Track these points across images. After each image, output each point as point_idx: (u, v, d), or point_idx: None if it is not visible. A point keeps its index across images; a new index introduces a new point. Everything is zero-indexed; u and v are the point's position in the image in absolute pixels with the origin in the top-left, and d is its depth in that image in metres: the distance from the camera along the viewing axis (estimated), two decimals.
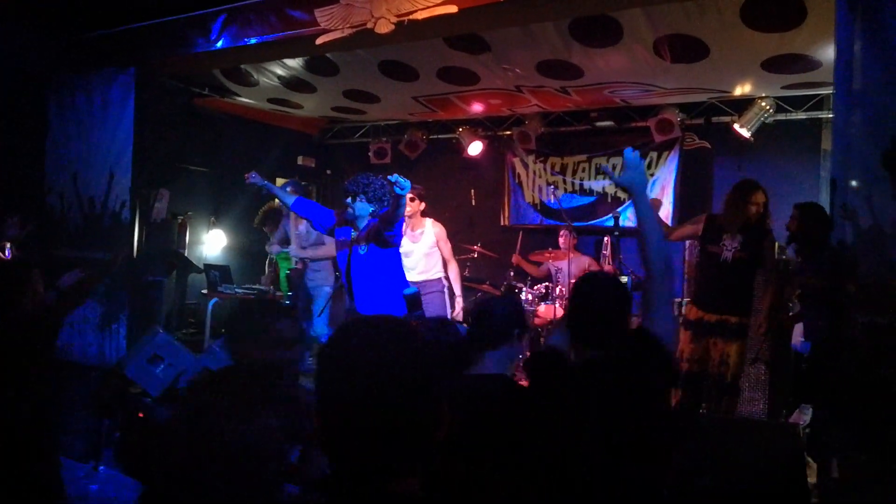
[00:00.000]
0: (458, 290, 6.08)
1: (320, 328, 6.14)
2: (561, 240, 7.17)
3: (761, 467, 3.34)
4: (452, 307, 6.16)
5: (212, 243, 8.02)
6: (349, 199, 4.27)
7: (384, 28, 4.80)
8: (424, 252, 6.00)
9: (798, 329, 6.03)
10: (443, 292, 6.06)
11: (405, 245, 5.94)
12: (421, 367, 1.14)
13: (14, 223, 4.87)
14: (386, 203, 4.24)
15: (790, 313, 4.73)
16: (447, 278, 6.08)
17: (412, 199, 5.71)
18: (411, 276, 6.01)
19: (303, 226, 6.08)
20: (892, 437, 3.16)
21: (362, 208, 4.26)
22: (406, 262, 6.09)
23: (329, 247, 5.77)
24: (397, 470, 1.11)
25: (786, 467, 3.25)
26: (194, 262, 7.51)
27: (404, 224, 5.49)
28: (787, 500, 3.21)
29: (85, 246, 6.52)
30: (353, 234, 4.39)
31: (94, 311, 6.46)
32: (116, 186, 6.47)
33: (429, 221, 6.00)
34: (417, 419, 1.11)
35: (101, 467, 4.22)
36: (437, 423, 1.17)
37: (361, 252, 4.30)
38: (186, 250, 7.56)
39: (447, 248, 6.06)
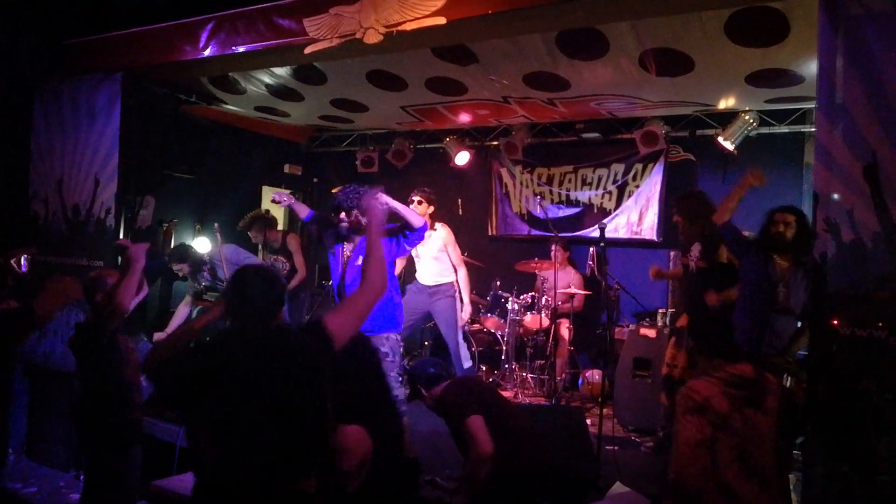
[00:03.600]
0: (466, 296, 6.06)
1: None
2: (554, 255, 7.22)
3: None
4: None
5: (197, 247, 7.96)
6: (343, 215, 4.24)
7: (373, 38, 4.81)
8: (433, 256, 5.98)
9: None
10: (454, 297, 6.03)
11: (415, 249, 5.94)
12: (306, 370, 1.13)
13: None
14: None
15: None
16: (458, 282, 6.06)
17: (420, 203, 5.71)
18: (424, 279, 6.02)
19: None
20: (875, 449, 3.19)
21: (357, 223, 4.26)
22: (416, 265, 6.10)
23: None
24: (296, 471, 1.09)
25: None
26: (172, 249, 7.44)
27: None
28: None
29: (69, 253, 6.47)
30: (345, 249, 4.36)
31: (76, 317, 6.40)
32: (102, 193, 6.41)
33: (438, 225, 5.99)
34: (309, 422, 1.11)
35: (83, 476, 4.18)
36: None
37: (359, 263, 4.21)
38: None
39: (455, 252, 6.05)
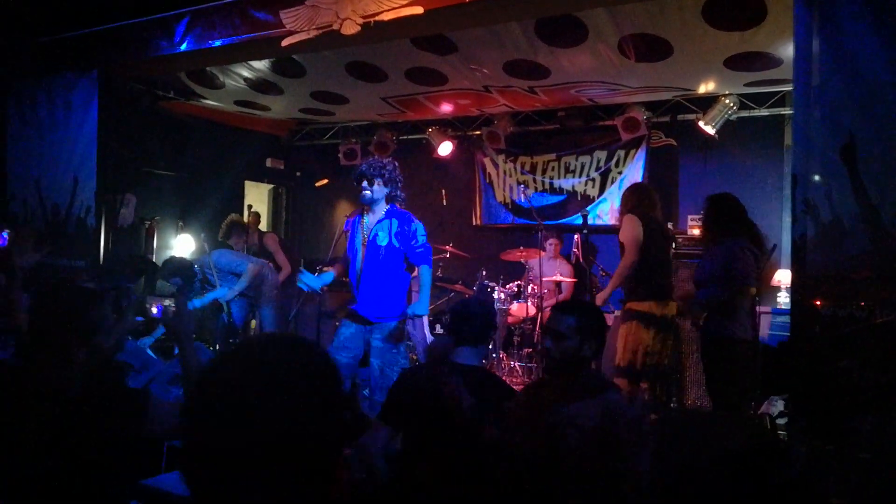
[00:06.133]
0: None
1: None
2: (549, 248, 7.23)
3: (733, 459, 3.40)
4: None
5: (180, 248, 7.92)
6: (366, 184, 4.22)
7: (350, 29, 4.78)
8: None
9: (766, 321, 6.15)
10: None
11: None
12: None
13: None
14: (399, 184, 4.31)
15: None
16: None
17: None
18: None
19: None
20: (857, 427, 3.23)
21: (379, 191, 4.24)
22: None
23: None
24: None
25: (751, 459, 3.31)
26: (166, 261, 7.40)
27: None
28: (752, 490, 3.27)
29: (49, 253, 6.40)
30: (365, 220, 4.31)
31: None
32: (81, 192, 6.36)
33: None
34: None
35: None
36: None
37: (381, 243, 4.21)
38: (154, 255, 7.46)
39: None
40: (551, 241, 7.24)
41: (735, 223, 4.35)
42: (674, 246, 5.91)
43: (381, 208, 4.29)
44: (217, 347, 6.12)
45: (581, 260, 6.77)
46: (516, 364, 7.07)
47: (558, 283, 7.18)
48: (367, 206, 4.29)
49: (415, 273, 4.46)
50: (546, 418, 2.12)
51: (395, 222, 4.24)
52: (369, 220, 4.31)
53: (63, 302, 2.24)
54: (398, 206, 4.33)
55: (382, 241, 4.21)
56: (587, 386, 2.48)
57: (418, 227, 4.29)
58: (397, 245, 4.23)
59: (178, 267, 6.07)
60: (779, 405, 5.06)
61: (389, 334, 4.22)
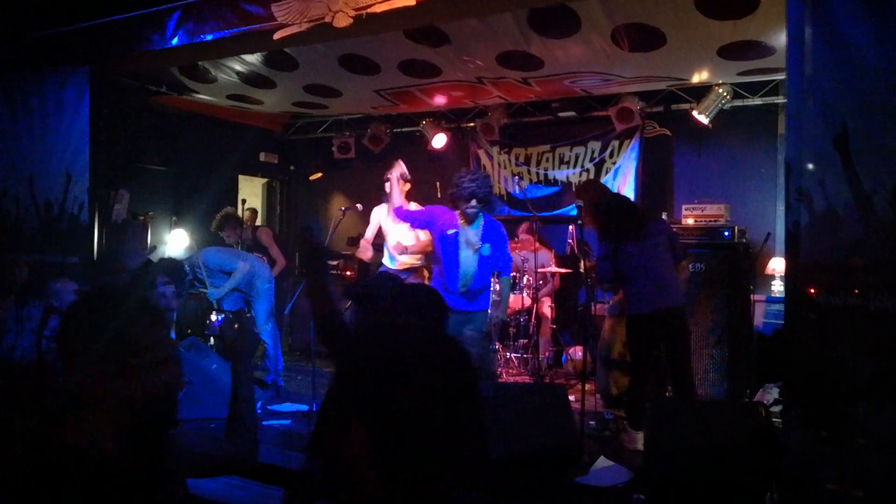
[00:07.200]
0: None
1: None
2: (522, 235, 7.21)
3: (729, 447, 3.43)
4: None
5: (174, 243, 7.90)
6: (474, 202, 4.73)
7: (342, 22, 4.76)
8: (406, 233, 5.85)
9: (760, 309, 6.18)
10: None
11: (389, 228, 5.90)
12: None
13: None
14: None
15: None
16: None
17: (398, 181, 5.67)
18: (402, 259, 5.96)
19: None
20: (851, 414, 3.25)
21: (483, 207, 4.83)
22: (389, 244, 6.02)
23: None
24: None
25: (752, 446, 3.35)
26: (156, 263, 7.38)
27: (388, 207, 5.71)
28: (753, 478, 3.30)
29: (42, 249, 6.38)
30: (467, 229, 4.83)
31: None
32: (74, 188, 6.33)
33: (413, 205, 5.90)
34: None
35: None
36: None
37: (484, 253, 4.85)
38: (149, 251, 7.43)
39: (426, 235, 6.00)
40: (524, 235, 7.20)
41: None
42: None
43: (480, 220, 4.88)
44: (212, 342, 6.12)
45: (576, 251, 6.77)
46: (512, 356, 7.08)
47: (553, 275, 7.19)
48: (467, 218, 4.82)
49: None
50: None
51: (494, 237, 4.90)
52: (472, 231, 4.86)
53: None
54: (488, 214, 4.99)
55: (487, 252, 4.87)
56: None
57: (506, 239, 5.04)
58: (495, 256, 4.92)
59: (168, 268, 6.06)
60: (773, 393, 5.10)
61: (481, 322, 4.92)
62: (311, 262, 2.71)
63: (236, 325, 2.25)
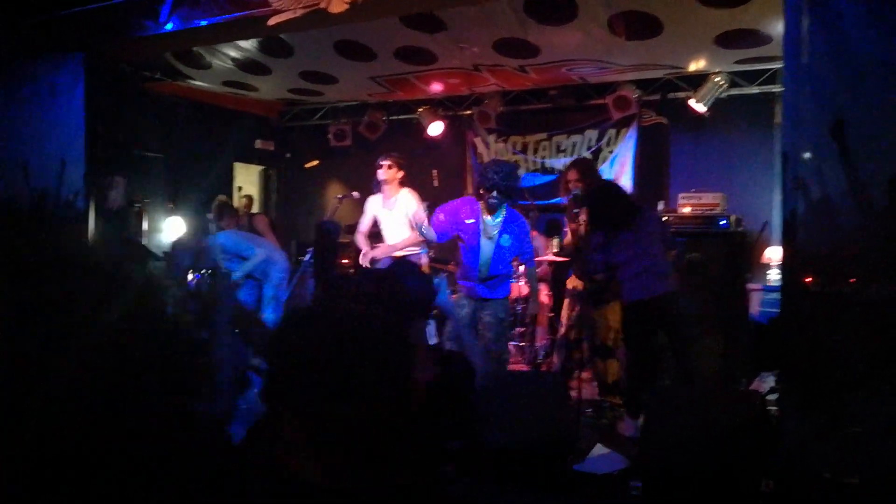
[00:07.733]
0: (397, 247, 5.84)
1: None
2: None
3: (725, 435, 3.45)
4: None
5: (171, 230, 7.88)
6: (496, 194, 4.85)
7: (337, 8, 4.72)
8: (400, 222, 5.83)
9: (757, 298, 6.19)
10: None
11: (384, 219, 5.87)
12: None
13: None
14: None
15: None
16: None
17: (389, 167, 5.72)
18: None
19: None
20: (847, 402, 3.26)
21: (505, 199, 4.93)
22: (385, 235, 5.98)
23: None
24: None
25: (748, 433, 3.37)
26: (153, 250, 7.36)
27: (382, 198, 5.82)
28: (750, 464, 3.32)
29: (37, 236, 6.35)
30: (487, 220, 4.97)
31: None
32: (69, 175, 6.28)
33: (404, 191, 5.85)
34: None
35: None
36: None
37: (504, 244, 4.97)
38: (145, 238, 7.43)
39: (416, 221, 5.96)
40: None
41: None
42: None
43: (502, 211, 4.99)
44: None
45: (568, 218, 6.75)
46: (509, 344, 7.08)
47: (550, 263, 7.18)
48: (489, 207, 4.95)
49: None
50: None
51: (514, 228, 5.01)
52: (492, 220, 4.98)
53: None
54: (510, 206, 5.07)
55: (506, 242, 4.99)
56: None
57: (528, 231, 5.16)
58: (514, 247, 5.04)
59: (185, 249, 6.08)
60: (770, 381, 5.12)
61: (499, 309, 5.05)
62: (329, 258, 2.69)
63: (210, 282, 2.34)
